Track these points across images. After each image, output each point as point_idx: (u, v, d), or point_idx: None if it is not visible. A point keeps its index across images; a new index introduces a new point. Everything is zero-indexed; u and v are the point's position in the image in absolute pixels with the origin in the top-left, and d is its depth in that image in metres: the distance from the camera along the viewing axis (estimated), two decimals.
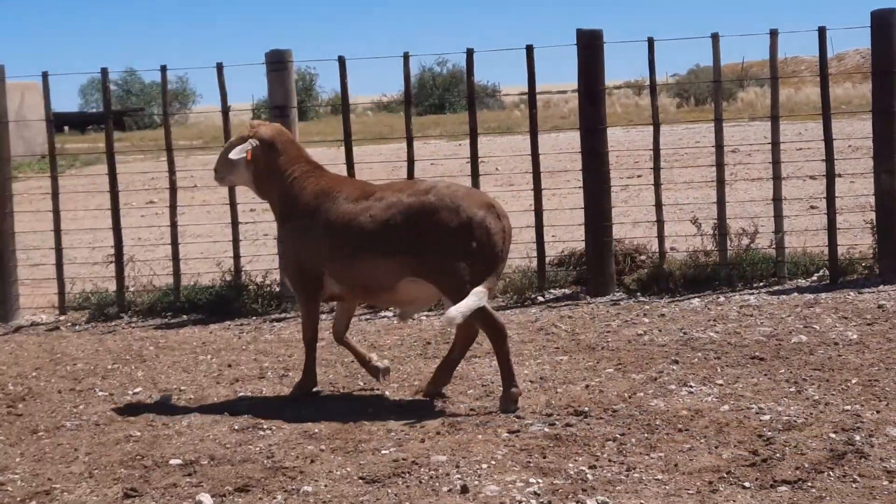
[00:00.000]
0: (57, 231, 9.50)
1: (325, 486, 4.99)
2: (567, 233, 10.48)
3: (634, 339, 7.47)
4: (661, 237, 9.06)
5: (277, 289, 9.05)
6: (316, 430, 5.79)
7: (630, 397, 6.09)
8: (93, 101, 60.71)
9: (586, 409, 5.88)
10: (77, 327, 9.03)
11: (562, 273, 9.20)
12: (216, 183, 6.90)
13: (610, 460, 5.14)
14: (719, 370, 6.55)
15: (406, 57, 9.10)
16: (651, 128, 9.14)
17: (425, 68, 54.06)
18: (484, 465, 5.12)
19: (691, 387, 6.20)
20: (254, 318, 8.77)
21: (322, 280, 6.31)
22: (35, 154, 21.84)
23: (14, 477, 5.34)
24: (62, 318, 9.34)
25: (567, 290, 9.06)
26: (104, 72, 9.39)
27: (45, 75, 9.45)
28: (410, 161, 9.03)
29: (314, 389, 6.53)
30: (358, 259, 6.14)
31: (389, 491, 4.88)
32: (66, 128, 41.12)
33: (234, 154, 6.50)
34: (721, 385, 6.22)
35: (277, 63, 8.98)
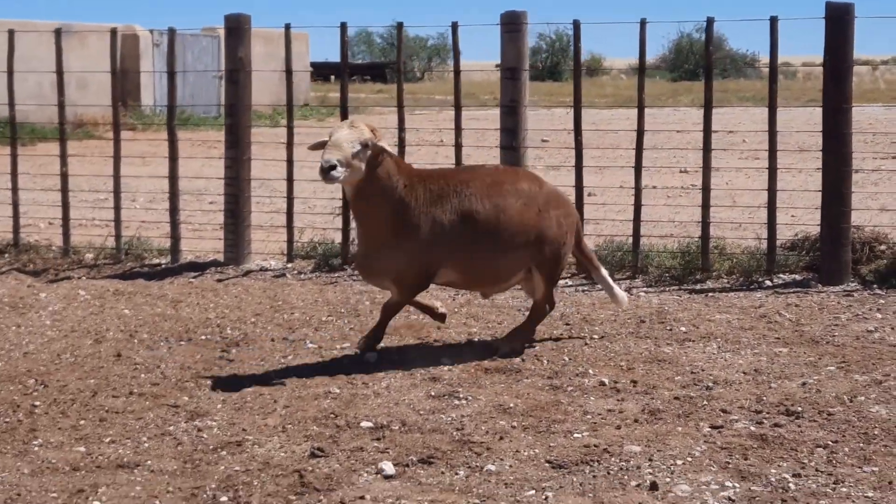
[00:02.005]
0: (289, 180, 9.65)
1: (510, 466, 4.85)
2: (808, 214, 9.97)
3: (863, 335, 7.00)
4: None
5: None
6: (511, 405, 5.65)
7: (850, 400, 5.68)
8: (359, 53, 62.27)
9: (799, 409, 5.53)
10: (302, 276, 9.16)
11: (793, 257, 8.74)
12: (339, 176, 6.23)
13: (817, 469, 4.79)
14: None
15: (643, 23, 8.78)
16: None
17: (683, 34, 52.95)
18: (679, 462, 4.87)
19: None
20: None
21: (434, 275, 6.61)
22: (296, 103, 22.30)
23: (212, 424, 5.44)
24: (289, 265, 9.50)
25: (797, 276, 8.59)
26: (343, 27, 9.44)
27: (343, 26, 9.43)
28: (640, 132, 8.70)
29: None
30: (492, 254, 6.54)
31: (574, 479, 4.70)
32: (332, 77, 42.16)
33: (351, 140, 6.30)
34: None
35: (511, 24, 8.81)
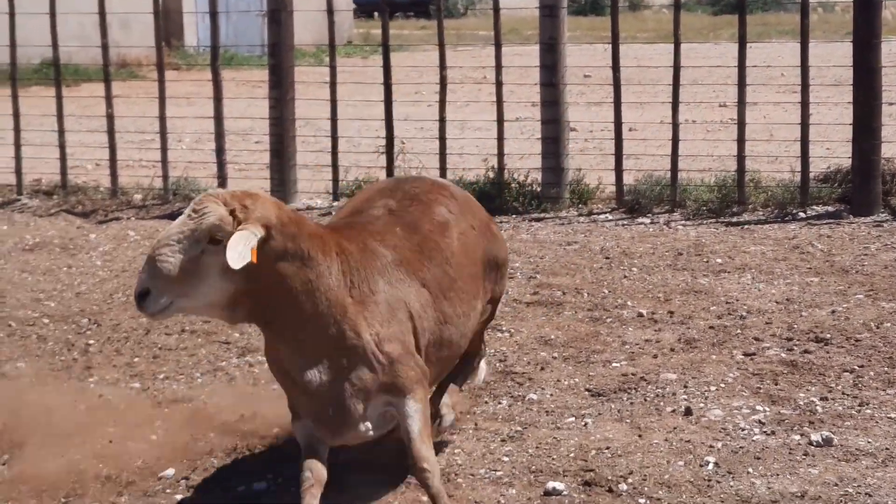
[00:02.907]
0: (334, 120, 9.81)
1: (551, 395, 5.11)
2: (841, 147, 10.08)
3: (892, 264, 7.16)
4: None
5: (539, 188, 9.15)
6: (552, 337, 5.90)
7: (877, 327, 5.90)
8: None
9: (828, 336, 5.75)
10: None
11: (826, 189, 8.89)
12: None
13: (843, 393, 5.04)
14: None
15: None
16: None
17: None
18: (712, 388, 5.12)
19: None
20: (514, 215, 8.88)
21: None
22: (339, 41, 22.45)
23: (262, 359, 5.27)
24: (335, 203, 9.68)
25: (829, 208, 8.75)
26: None
27: None
28: (677, 68, 8.84)
29: None
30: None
31: (613, 406, 4.97)
32: (375, 14, 42.00)
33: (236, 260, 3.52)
34: None
35: None
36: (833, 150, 9.42)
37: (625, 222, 8.64)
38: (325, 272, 3.72)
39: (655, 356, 5.57)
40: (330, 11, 9.81)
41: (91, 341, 6.02)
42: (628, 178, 9.14)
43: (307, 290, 3.68)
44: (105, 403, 5.09)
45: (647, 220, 8.63)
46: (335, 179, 9.81)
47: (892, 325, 5.93)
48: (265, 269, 3.58)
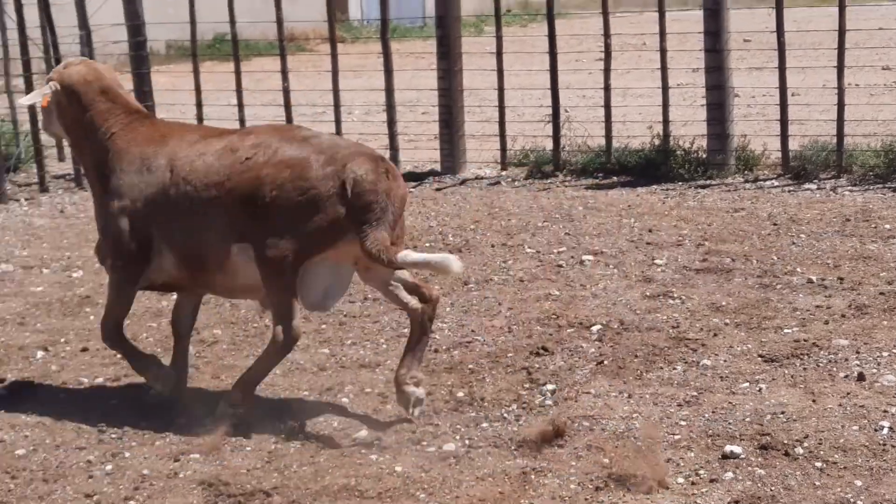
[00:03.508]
0: (500, 90, 9.94)
1: (724, 360, 5.24)
2: None
3: None
4: None
5: (704, 155, 9.19)
6: (724, 303, 6.01)
7: None
8: None
9: None
10: (516, 183, 9.53)
11: None
12: None
13: None
14: None
15: None
16: None
17: None
18: (885, 354, 5.19)
19: None
20: (679, 183, 8.96)
21: None
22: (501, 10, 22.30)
23: (443, 326, 5.91)
24: (503, 173, 9.85)
25: None
26: None
27: None
28: (842, 31, 8.76)
29: None
30: None
31: (786, 371, 5.08)
32: None
33: (25, 100, 5.45)
34: None
35: None
36: None
37: (791, 188, 8.64)
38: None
39: (826, 322, 5.64)
40: None
41: None
42: (793, 144, 9.12)
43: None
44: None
45: (814, 186, 8.62)
46: (503, 149, 9.98)
47: None
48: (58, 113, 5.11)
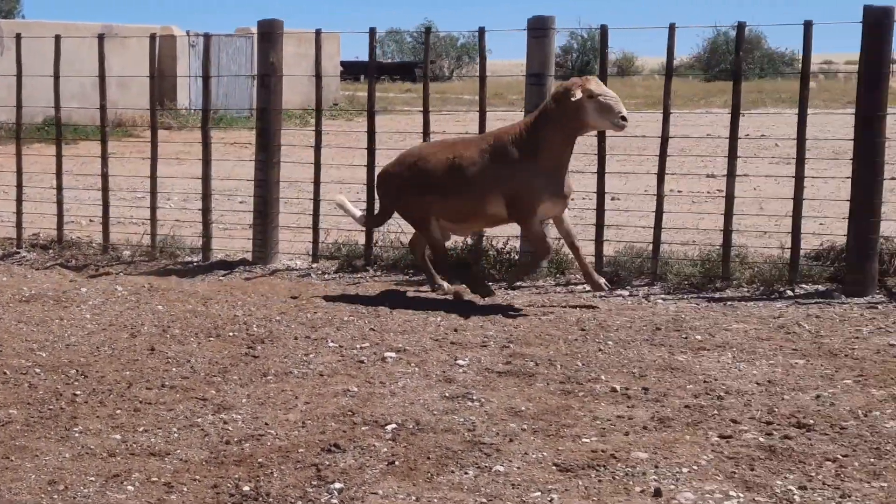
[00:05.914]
0: (316, 182, 9.78)
1: (518, 467, 4.92)
2: (836, 223, 9.90)
3: (885, 349, 6.95)
4: None
5: (516, 256, 9.03)
6: (523, 408, 5.72)
7: (864, 415, 5.64)
8: (388, 51, 62.28)
9: (811, 421, 5.52)
10: (325, 276, 9.27)
11: (817, 267, 8.69)
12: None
13: (824, 483, 4.80)
14: None
15: (672, 28, 8.74)
16: None
17: (719, 32, 52.33)
18: (684, 470, 4.92)
19: None
20: (490, 283, 8.69)
21: None
22: (326, 104, 22.61)
23: (237, 417, 5.64)
24: (314, 265, 9.62)
25: (820, 287, 8.55)
26: (372, 32, 9.62)
27: (372, 31, 9.63)
28: (665, 139, 8.71)
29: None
30: None
31: (580, 483, 4.77)
32: (361, 76, 42.44)
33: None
34: None
35: (539, 30, 8.85)
36: (827, 225, 9.24)
37: (603, 294, 8.46)
38: None
39: (627, 433, 5.37)
40: (318, 76, 9.76)
41: (78, 392, 6.11)
42: (609, 249, 9.02)
43: None
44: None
45: (626, 293, 8.48)
46: (315, 241, 9.77)
47: (882, 413, 5.68)
48: None
